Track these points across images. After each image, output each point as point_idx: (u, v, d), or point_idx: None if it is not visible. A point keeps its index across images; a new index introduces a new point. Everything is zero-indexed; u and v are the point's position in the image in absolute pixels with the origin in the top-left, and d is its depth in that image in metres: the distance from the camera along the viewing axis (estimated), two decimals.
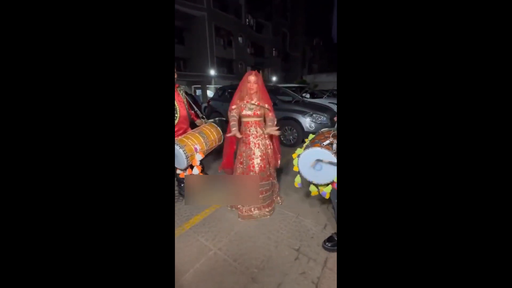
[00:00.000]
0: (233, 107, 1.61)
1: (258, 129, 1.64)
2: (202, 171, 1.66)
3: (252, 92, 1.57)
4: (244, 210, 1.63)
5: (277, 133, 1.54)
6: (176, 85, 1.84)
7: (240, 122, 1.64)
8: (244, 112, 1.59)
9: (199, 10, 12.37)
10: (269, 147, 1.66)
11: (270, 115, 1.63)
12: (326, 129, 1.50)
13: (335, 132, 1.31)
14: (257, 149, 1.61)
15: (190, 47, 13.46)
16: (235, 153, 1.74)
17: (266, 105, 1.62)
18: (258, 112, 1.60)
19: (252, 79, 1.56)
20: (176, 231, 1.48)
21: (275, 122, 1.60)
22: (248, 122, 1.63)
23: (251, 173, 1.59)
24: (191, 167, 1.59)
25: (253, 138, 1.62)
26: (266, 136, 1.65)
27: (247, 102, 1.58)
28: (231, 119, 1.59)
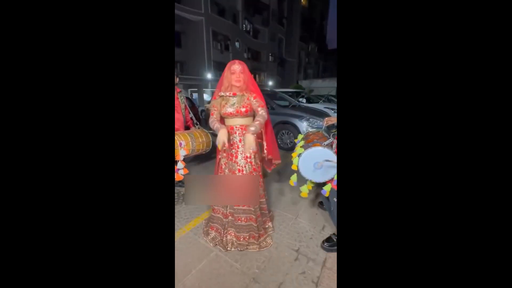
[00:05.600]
0: (214, 106, 1.26)
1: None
2: (186, 167, 1.63)
3: (238, 85, 1.20)
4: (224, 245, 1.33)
5: (248, 152, 1.16)
6: (178, 90, 1.87)
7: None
8: (224, 110, 1.21)
9: (197, 15, 12.48)
10: (256, 155, 1.30)
11: (260, 109, 1.19)
12: (314, 129, 1.65)
13: (322, 132, 1.46)
14: (247, 164, 1.26)
15: (187, 50, 13.50)
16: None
17: (253, 96, 1.20)
18: (243, 110, 1.19)
19: (236, 68, 1.19)
20: (177, 233, 1.49)
21: (264, 120, 1.17)
22: (232, 127, 1.25)
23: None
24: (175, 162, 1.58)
25: (242, 147, 1.25)
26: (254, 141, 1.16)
27: (233, 94, 1.21)
28: (212, 124, 1.23)
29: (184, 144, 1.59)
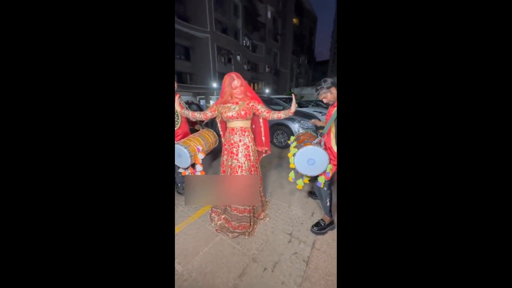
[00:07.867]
0: (213, 108, 1.27)
1: (244, 138, 1.24)
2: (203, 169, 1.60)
3: (240, 97, 1.21)
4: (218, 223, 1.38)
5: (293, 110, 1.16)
6: (177, 95, 1.78)
7: (225, 128, 1.36)
8: (226, 114, 1.20)
9: (203, 33, 12.42)
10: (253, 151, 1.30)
11: (260, 109, 1.23)
12: (303, 131, 1.66)
13: (309, 132, 1.50)
14: (246, 161, 1.24)
15: (195, 63, 13.46)
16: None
17: (251, 102, 1.21)
18: (242, 113, 1.18)
19: (237, 84, 1.17)
20: (186, 220, 1.48)
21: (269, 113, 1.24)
22: (232, 129, 1.25)
23: None
24: (193, 166, 1.54)
25: (241, 146, 1.24)
26: (251, 139, 1.28)
27: (235, 104, 1.21)
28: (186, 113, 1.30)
29: (201, 149, 1.56)
